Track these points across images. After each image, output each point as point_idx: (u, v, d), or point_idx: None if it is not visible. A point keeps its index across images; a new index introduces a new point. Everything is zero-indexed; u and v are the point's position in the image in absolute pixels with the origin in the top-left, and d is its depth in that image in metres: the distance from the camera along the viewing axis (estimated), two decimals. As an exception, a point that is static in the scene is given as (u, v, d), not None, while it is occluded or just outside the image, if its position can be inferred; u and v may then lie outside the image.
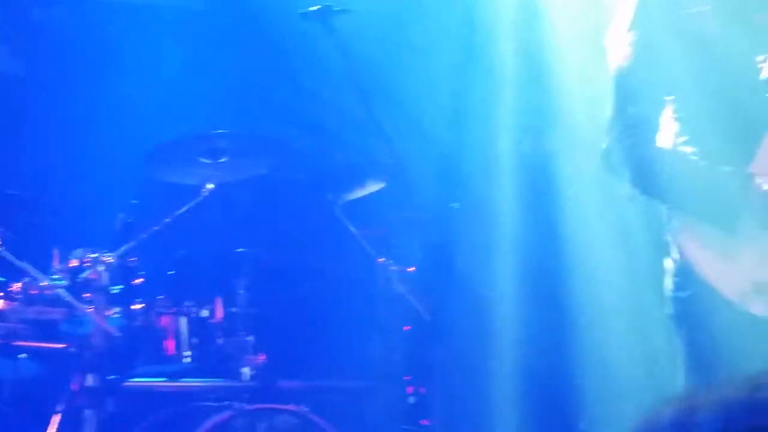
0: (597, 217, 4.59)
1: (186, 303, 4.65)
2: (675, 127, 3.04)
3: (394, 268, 4.88)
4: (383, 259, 4.85)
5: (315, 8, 4.74)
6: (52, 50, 5.66)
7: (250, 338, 4.63)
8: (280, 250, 5.16)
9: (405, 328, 5.01)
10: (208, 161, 4.72)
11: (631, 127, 3.03)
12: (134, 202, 4.72)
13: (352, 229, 4.88)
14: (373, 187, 5.00)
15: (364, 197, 5.04)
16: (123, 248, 4.52)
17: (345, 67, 4.88)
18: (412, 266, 5.00)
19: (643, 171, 3.03)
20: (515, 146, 5.11)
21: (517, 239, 4.93)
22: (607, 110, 3.13)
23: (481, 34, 5.04)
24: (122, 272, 4.53)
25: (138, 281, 4.58)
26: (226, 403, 4.48)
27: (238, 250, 4.85)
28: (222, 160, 4.72)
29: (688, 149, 2.98)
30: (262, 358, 4.62)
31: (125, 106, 5.31)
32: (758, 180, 2.85)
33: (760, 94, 2.73)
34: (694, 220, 2.94)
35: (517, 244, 4.93)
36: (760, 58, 2.75)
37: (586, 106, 4.38)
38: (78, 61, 5.56)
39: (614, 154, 3.08)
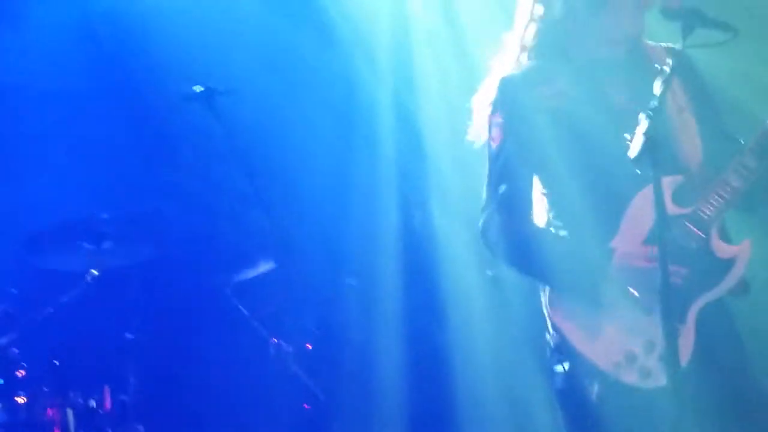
0: (477, 292, 4.66)
1: (72, 393, 4.50)
2: (544, 203, 3.11)
3: (288, 348, 4.84)
4: (276, 339, 4.81)
5: (198, 89, 4.72)
6: None
7: (140, 427, 4.51)
8: (169, 335, 5.06)
9: (305, 406, 4.95)
10: (90, 246, 4.63)
11: (503, 204, 3.08)
12: (13, 291, 4.59)
13: (243, 310, 4.83)
14: (264, 267, 4.96)
15: (256, 277, 4.99)
16: (3, 340, 4.38)
17: (230, 145, 4.87)
18: (308, 344, 4.97)
19: (516, 248, 3.07)
20: (405, 220, 5.16)
21: (405, 314, 4.97)
22: (483, 188, 3.19)
23: (362, 110, 5.11)
24: (3, 364, 4.38)
25: (20, 373, 4.43)
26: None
27: (126, 335, 4.74)
28: (105, 245, 4.63)
29: (557, 225, 3.05)
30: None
31: (1, 191, 5.17)
32: (619, 254, 2.92)
33: (624, 169, 2.81)
34: (564, 295, 2.99)
35: (405, 320, 4.98)
36: (627, 135, 2.84)
37: (461, 178, 4.49)
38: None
39: (489, 231, 3.13)
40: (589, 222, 2.94)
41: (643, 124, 2.63)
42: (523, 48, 3.16)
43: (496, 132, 3.09)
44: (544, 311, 3.08)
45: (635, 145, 2.60)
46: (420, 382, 4.94)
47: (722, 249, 2.94)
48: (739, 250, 2.96)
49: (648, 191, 2.73)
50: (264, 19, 5.15)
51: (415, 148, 4.96)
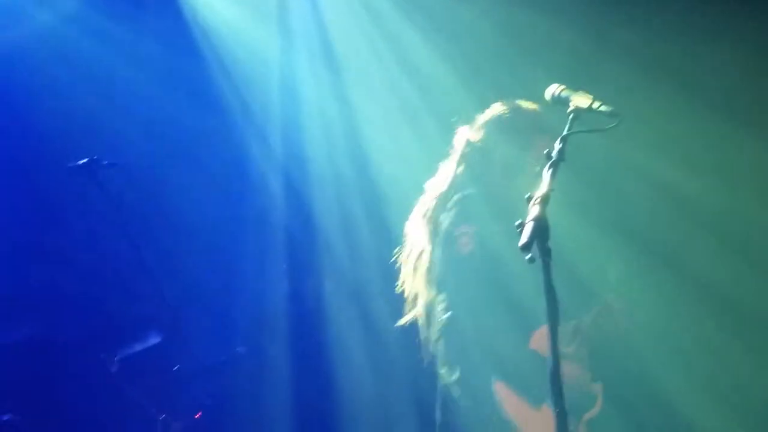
0: (364, 356, 4.76)
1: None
2: None
3: (177, 423, 4.74)
4: (164, 416, 4.70)
5: (82, 162, 4.63)
6: None
7: None
8: (51, 416, 4.86)
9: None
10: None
11: None
12: None
13: (128, 388, 4.71)
14: (150, 340, 4.86)
15: (142, 351, 4.88)
16: None
17: (116, 217, 4.80)
18: (198, 413, 4.88)
19: None
20: (295, 288, 5.16)
21: (294, 380, 4.98)
22: None
23: (251, 180, 5.10)
24: None
25: None
26: None
27: (3, 417, 4.55)
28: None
29: None
30: None
31: None
32: None
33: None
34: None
35: (294, 386, 4.98)
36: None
37: (348, 247, 4.59)
38: None
39: None
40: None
41: (533, 210, 2.66)
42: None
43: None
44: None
45: (525, 232, 2.62)
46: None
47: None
48: None
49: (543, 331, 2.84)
50: (151, 90, 5.10)
51: (305, 217, 4.98)
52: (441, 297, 3.36)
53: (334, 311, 5.01)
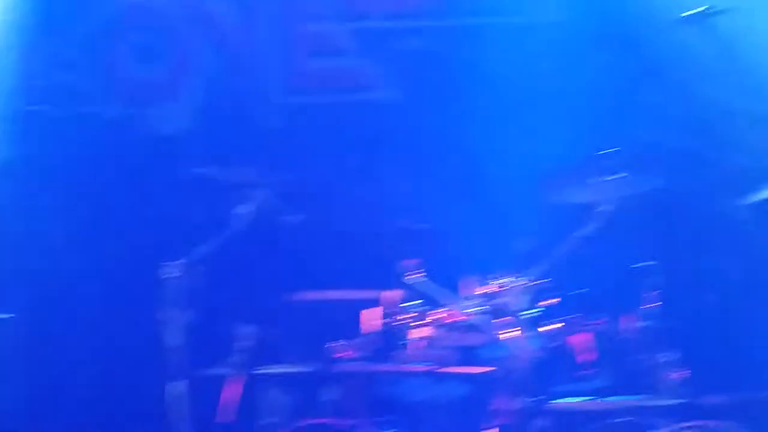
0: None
1: (600, 320, 4.69)
2: None
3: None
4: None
5: (696, 11, 4.65)
6: (428, 77, 5.85)
7: (667, 354, 4.57)
8: (685, 261, 5.07)
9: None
10: (602, 179, 4.75)
11: None
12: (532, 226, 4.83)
13: (759, 232, 4.75)
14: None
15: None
16: (534, 271, 4.65)
17: (730, 68, 4.75)
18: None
19: None
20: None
21: None
22: None
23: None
24: (536, 294, 4.66)
25: (552, 301, 4.68)
26: (650, 421, 4.46)
27: (646, 263, 4.80)
28: (616, 177, 4.73)
29: None
30: (681, 373, 4.55)
31: (509, 131, 5.43)
32: None
33: None
34: None
35: None
36: None
37: None
38: (453, 86, 5.73)
39: None
40: None
41: None
42: None
43: None
44: None
45: None
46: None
47: None
48: None
49: None
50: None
51: None
52: None
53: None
